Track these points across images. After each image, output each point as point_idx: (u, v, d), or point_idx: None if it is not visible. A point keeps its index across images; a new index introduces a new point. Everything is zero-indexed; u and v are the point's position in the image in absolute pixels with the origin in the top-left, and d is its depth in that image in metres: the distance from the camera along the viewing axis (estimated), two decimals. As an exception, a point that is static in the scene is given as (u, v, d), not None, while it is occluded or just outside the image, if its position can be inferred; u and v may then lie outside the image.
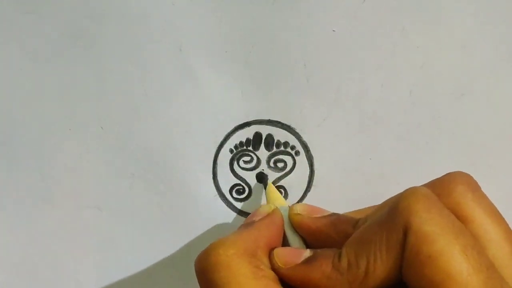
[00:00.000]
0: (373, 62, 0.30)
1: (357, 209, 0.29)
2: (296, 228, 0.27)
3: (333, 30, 0.30)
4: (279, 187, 0.32)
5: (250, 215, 0.28)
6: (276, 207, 0.28)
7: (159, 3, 0.30)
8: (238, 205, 0.32)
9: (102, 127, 0.32)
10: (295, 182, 0.32)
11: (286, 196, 0.32)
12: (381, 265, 0.21)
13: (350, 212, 0.29)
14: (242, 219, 0.32)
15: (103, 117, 0.31)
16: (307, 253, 0.24)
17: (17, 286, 0.33)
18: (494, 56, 0.30)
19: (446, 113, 0.31)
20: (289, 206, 0.28)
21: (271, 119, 0.32)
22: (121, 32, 0.30)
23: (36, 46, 0.31)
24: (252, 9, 0.30)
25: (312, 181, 0.32)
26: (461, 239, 0.20)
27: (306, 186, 0.32)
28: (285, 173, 0.32)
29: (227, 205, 0.32)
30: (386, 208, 0.22)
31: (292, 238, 0.27)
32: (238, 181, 0.32)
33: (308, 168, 0.32)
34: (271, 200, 0.30)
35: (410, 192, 0.22)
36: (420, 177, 0.32)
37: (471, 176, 0.24)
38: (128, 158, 0.32)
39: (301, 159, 0.32)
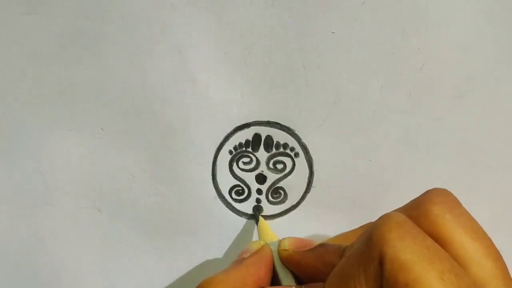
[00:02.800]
0: (373, 64, 0.30)
1: (346, 228, 0.29)
2: (285, 263, 0.27)
3: (332, 32, 0.30)
4: (278, 189, 0.32)
5: (240, 252, 0.28)
6: (266, 243, 0.28)
7: (159, 4, 0.30)
8: (238, 206, 0.32)
9: (102, 128, 0.32)
10: (295, 183, 0.32)
11: (285, 197, 0.32)
12: None
13: (338, 236, 0.29)
14: (241, 220, 0.33)
15: (103, 118, 0.31)
16: None
17: (17, 286, 0.33)
18: (494, 57, 0.30)
19: (446, 114, 0.31)
20: (278, 241, 0.28)
21: (270, 120, 0.32)
22: (120, 33, 0.30)
23: (36, 46, 0.31)
24: (251, 11, 0.30)
25: (312, 182, 0.32)
26: (437, 264, 0.19)
27: (305, 187, 0.32)
28: (285, 174, 0.32)
29: (226, 206, 0.32)
30: (363, 238, 0.22)
31: (282, 273, 0.27)
32: (238, 182, 0.32)
33: (308, 169, 0.32)
34: (262, 236, 0.30)
35: (383, 221, 0.21)
36: (419, 179, 0.32)
37: (450, 193, 0.23)
38: (127, 159, 0.32)
39: (301, 160, 0.32)
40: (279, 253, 0.28)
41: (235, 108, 0.31)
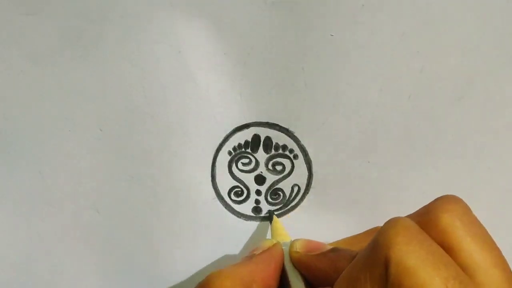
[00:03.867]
0: (372, 67, 0.30)
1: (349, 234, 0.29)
2: (295, 265, 0.27)
3: (331, 35, 0.30)
4: (277, 190, 0.32)
5: (252, 249, 0.28)
6: (278, 242, 0.28)
7: (158, 5, 0.30)
8: (237, 207, 0.32)
9: (101, 129, 0.32)
10: (294, 185, 0.32)
11: (284, 198, 0.32)
12: None
13: (344, 239, 0.29)
14: (240, 221, 0.33)
15: (102, 119, 0.31)
16: None
17: (17, 286, 0.33)
18: (493, 60, 0.30)
19: (445, 116, 0.31)
20: (290, 242, 0.28)
21: (269, 121, 0.32)
22: (120, 34, 0.30)
23: (36, 47, 0.31)
24: (251, 12, 0.30)
25: (311, 184, 0.32)
26: (442, 271, 0.19)
27: (304, 189, 0.32)
28: (284, 176, 0.32)
29: (225, 207, 0.32)
30: (370, 241, 0.22)
31: (292, 275, 0.27)
32: (237, 183, 0.32)
33: (307, 171, 0.32)
34: (275, 234, 0.30)
35: (390, 225, 0.21)
36: (419, 181, 0.32)
37: (460, 200, 0.23)
38: (126, 160, 0.32)
39: (300, 162, 0.32)
40: (290, 254, 0.28)
41: (235, 109, 0.31)
